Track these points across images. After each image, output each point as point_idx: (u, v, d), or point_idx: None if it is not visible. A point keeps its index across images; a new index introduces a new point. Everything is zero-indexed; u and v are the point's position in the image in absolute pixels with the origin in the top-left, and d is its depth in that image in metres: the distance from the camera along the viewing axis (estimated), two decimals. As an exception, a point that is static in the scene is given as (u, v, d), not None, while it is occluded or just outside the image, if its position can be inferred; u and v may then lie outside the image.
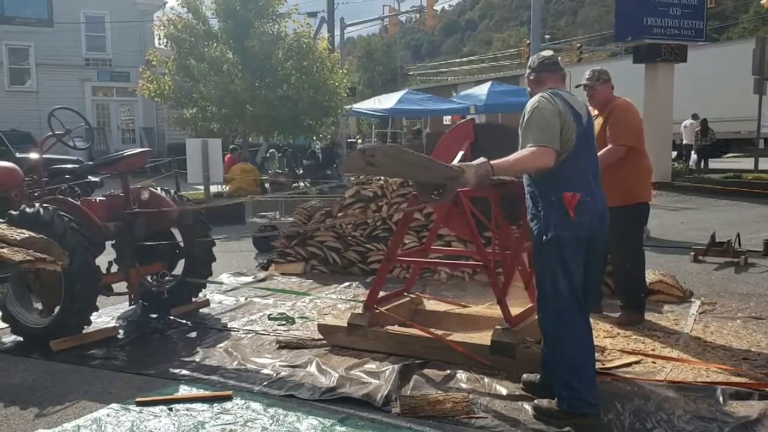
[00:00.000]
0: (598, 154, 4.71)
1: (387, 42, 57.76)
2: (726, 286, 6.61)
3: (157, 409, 3.72)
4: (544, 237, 3.45)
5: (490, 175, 3.41)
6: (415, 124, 28.22)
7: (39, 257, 4.29)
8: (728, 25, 57.21)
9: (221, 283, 6.94)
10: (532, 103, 3.52)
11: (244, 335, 5.14)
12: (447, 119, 28.94)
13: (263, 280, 7.30)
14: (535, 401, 3.59)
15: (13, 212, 4.99)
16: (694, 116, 20.15)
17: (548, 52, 3.82)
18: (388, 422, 3.55)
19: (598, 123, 4.88)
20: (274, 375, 4.21)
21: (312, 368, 4.28)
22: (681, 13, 15.50)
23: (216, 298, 6.34)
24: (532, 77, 3.74)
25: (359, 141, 20.47)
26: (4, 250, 4.33)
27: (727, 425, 3.40)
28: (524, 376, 3.91)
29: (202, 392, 3.97)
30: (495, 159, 3.40)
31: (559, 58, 3.81)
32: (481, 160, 3.41)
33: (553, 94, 3.53)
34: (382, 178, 7.35)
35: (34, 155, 6.16)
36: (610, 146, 4.92)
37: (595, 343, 3.66)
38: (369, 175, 3.77)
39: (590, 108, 4.43)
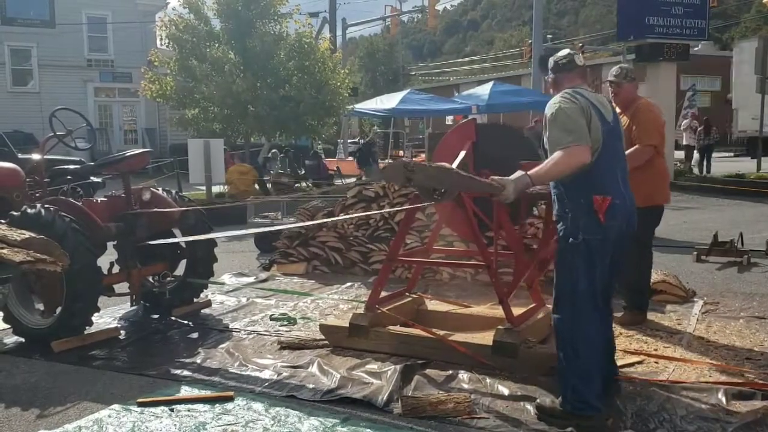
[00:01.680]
0: (627, 153, 4.73)
1: (389, 42, 57.79)
2: (729, 285, 6.59)
3: (158, 409, 3.72)
4: (571, 239, 3.42)
5: (529, 187, 3.47)
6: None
7: (39, 258, 4.28)
8: (730, 24, 57.14)
9: (223, 283, 6.93)
10: (552, 104, 3.46)
11: (245, 336, 5.13)
12: (449, 119, 28.91)
13: (265, 280, 7.29)
14: (538, 400, 3.59)
15: (15, 213, 4.99)
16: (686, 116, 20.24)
17: (564, 51, 3.74)
18: (390, 423, 3.54)
19: (623, 122, 4.81)
20: (276, 376, 4.20)
21: (314, 369, 4.28)
22: (683, 12, 15.49)
23: (218, 298, 6.34)
24: (549, 80, 3.71)
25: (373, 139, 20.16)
26: (5, 251, 4.33)
27: (730, 425, 3.39)
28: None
29: (203, 393, 3.97)
30: (532, 168, 3.43)
31: (577, 55, 3.69)
32: (520, 173, 3.43)
33: (574, 92, 3.48)
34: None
35: (35, 156, 6.16)
36: (637, 147, 4.87)
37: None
38: (406, 186, 3.91)
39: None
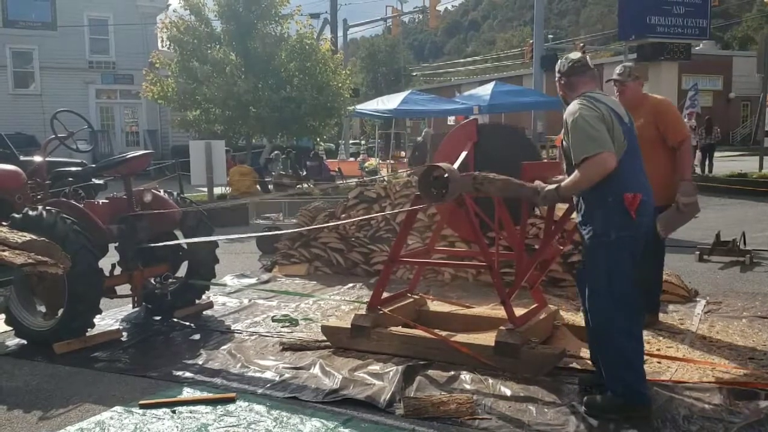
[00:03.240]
0: (683, 153, 4.83)
1: (390, 43, 57.86)
2: (731, 285, 6.58)
3: (160, 411, 3.72)
4: (604, 238, 3.50)
5: (556, 199, 3.69)
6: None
7: (40, 260, 4.28)
8: (732, 23, 57.11)
9: (225, 284, 6.93)
10: (572, 112, 3.51)
11: (247, 337, 5.13)
12: (451, 120, 28.90)
13: (267, 281, 7.29)
14: (587, 397, 3.61)
15: (16, 215, 4.99)
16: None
17: (576, 54, 3.81)
18: (392, 424, 3.54)
19: (641, 121, 4.73)
20: (278, 377, 4.20)
21: (315, 370, 4.28)
22: (684, 11, 15.48)
23: (219, 300, 6.34)
24: (563, 82, 3.75)
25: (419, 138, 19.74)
26: (6, 253, 4.33)
27: (733, 425, 3.38)
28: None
29: (205, 395, 3.97)
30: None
31: (588, 57, 3.78)
32: (552, 188, 3.66)
33: (592, 99, 3.54)
34: (386, 179, 7.39)
35: (37, 158, 6.17)
36: (684, 142, 4.90)
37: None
38: (472, 195, 4.13)
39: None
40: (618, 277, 3.50)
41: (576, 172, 3.46)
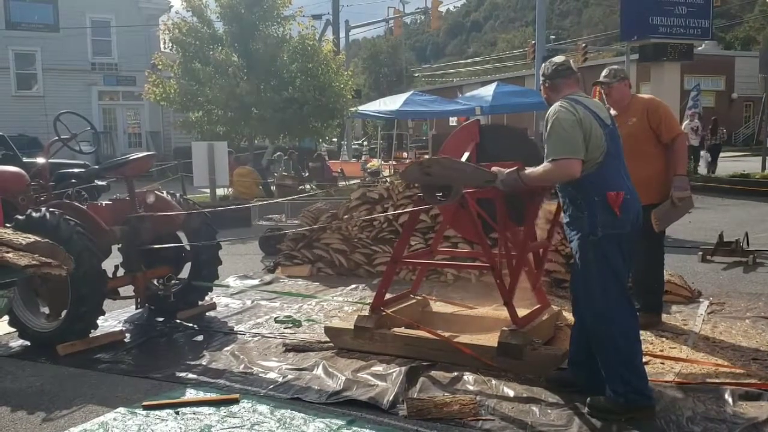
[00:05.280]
0: (677, 149, 4.84)
1: (392, 44, 57.92)
2: (734, 285, 6.57)
3: (163, 412, 3.72)
4: (591, 237, 3.53)
5: (518, 183, 3.72)
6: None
7: (44, 262, 4.28)
8: (734, 23, 57.05)
9: (227, 286, 6.94)
10: (552, 113, 3.57)
11: (250, 338, 5.14)
12: (453, 120, 28.89)
13: (269, 282, 7.29)
14: (590, 399, 3.61)
15: (20, 217, 5.00)
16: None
17: (560, 58, 3.86)
18: (395, 425, 3.54)
19: (622, 122, 4.71)
20: (281, 378, 4.20)
21: (319, 371, 4.28)
22: (687, 12, 15.46)
23: (222, 301, 6.34)
24: (547, 84, 3.79)
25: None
26: (9, 255, 4.33)
27: (737, 426, 3.38)
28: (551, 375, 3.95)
29: (208, 396, 3.97)
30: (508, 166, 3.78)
31: (571, 61, 3.83)
32: (512, 169, 3.75)
33: (573, 101, 3.57)
34: (388, 180, 7.40)
35: (40, 160, 6.18)
36: (678, 137, 4.90)
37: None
38: (424, 183, 4.15)
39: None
40: (610, 276, 3.52)
41: (543, 165, 3.57)
